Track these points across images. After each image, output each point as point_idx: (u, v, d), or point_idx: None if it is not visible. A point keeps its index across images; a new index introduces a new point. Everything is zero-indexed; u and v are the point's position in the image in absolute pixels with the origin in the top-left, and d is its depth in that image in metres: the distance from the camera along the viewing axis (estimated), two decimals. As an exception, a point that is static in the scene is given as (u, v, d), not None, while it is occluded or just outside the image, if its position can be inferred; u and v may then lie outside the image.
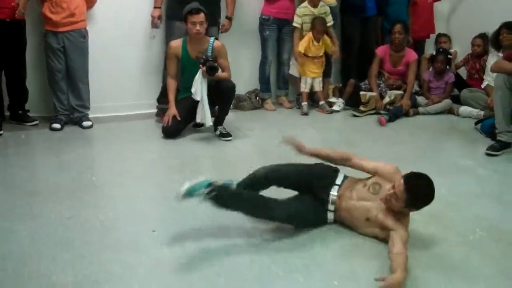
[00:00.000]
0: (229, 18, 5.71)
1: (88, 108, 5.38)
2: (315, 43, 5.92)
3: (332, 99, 6.27)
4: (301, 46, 5.90)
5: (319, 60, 6.02)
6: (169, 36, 5.44)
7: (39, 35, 5.24)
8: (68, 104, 5.32)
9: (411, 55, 6.17)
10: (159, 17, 5.49)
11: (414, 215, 3.02)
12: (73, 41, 5.16)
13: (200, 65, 4.75)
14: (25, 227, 3.19)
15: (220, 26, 5.67)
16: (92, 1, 5.35)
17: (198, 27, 4.81)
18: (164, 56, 5.56)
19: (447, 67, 6.23)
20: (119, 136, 5.09)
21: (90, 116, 5.37)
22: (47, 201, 3.59)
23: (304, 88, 6.01)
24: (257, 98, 6.16)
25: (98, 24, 5.44)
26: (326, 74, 6.28)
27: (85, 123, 5.28)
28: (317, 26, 5.84)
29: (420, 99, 6.22)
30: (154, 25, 5.53)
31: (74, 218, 3.33)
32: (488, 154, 4.54)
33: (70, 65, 5.21)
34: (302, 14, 5.93)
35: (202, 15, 4.82)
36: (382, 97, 6.05)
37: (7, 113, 5.26)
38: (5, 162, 4.37)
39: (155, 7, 5.49)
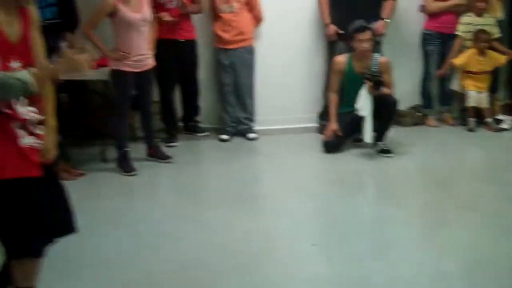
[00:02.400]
0: (384, 19, 5.51)
1: (253, 120, 5.63)
2: (479, 57, 5.65)
3: (500, 117, 5.93)
4: (459, 60, 5.68)
5: (483, 76, 5.72)
6: (330, 56, 5.51)
7: (211, 52, 5.60)
8: (235, 116, 5.61)
9: None
10: (336, 31, 5.46)
11: None
12: (241, 57, 5.44)
13: (366, 80, 4.79)
14: (190, 233, 3.46)
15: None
16: (259, 19, 5.58)
17: (365, 44, 4.86)
18: (325, 76, 5.66)
19: None
20: (281, 148, 5.26)
21: (255, 128, 5.62)
22: (213, 208, 3.87)
23: (470, 102, 5.76)
24: (419, 114, 6.01)
25: (264, 41, 5.66)
26: (493, 90, 5.96)
27: (251, 135, 5.53)
28: (480, 37, 5.58)
29: None
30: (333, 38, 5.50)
31: (236, 227, 3.53)
32: None
33: (238, 80, 5.49)
34: (465, 23, 5.69)
35: (368, 32, 4.87)
36: (558, 116, 5.62)
37: (181, 124, 5.68)
38: (178, 169, 4.74)
39: (327, 24, 5.49)
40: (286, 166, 4.78)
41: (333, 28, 5.44)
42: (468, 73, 5.71)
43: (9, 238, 2.19)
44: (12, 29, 2.14)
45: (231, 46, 5.41)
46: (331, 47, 5.55)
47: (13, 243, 2.20)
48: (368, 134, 4.85)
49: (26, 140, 2.14)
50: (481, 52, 5.64)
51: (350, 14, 5.22)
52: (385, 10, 5.49)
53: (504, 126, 5.75)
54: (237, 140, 5.52)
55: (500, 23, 5.81)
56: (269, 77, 5.68)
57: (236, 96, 5.56)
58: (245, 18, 5.43)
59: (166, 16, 5.07)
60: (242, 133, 5.59)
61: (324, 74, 5.70)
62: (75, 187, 4.34)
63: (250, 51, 5.50)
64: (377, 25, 5.40)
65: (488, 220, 3.58)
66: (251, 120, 5.63)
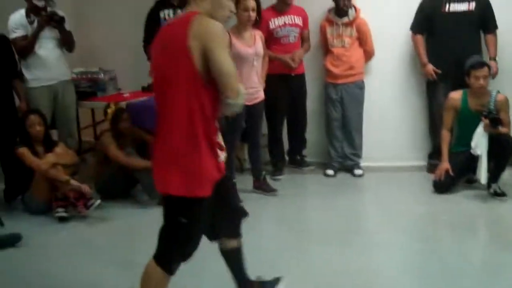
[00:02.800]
0: (494, 59, 5.29)
1: (360, 156, 5.56)
2: None
3: None
4: None
5: None
6: (432, 95, 5.39)
7: (320, 86, 5.64)
8: (342, 152, 5.57)
9: None
10: (433, 71, 5.31)
11: None
12: (350, 92, 5.43)
13: (483, 118, 4.61)
14: (294, 266, 3.47)
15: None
16: (370, 54, 5.55)
17: (481, 81, 4.68)
18: (427, 114, 5.54)
19: None
20: (388, 186, 5.15)
21: (362, 164, 5.53)
22: (316, 243, 3.87)
23: None
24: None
25: (373, 76, 5.61)
26: None
27: (357, 171, 5.46)
28: None
29: None
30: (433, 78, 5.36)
31: (340, 263, 3.50)
32: None
33: (346, 114, 5.47)
34: None
35: (486, 68, 4.71)
36: None
37: (286, 158, 5.72)
38: (283, 202, 4.78)
39: (425, 64, 5.35)
40: (393, 204, 4.66)
41: (430, 68, 5.30)
42: None
43: (171, 248, 2.43)
44: None
45: (340, 81, 5.42)
46: (432, 86, 5.41)
47: (169, 254, 2.43)
48: (483, 174, 4.64)
49: (222, 157, 2.44)
50: None
51: (448, 52, 5.14)
52: (491, 48, 5.25)
53: None
54: (343, 175, 5.47)
55: None
56: (378, 113, 5.62)
57: (344, 131, 5.53)
58: (356, 53, 5.44)
59: (292, 63, 5.20)
60: (348, 169, 5.53)
61: (429, 113, 5.56)
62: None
63: (360, 86, 5.48)
64: (492, 67, 5.14)
65: None
66: (358, 156, 5.56)
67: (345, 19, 5.36)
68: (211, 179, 2.33)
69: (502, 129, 4.67)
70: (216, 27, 2.24)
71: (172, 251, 2.43)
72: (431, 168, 5.32)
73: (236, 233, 2.74)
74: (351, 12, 5.37)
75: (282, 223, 4.35)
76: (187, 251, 2.45)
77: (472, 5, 5.17)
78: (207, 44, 2.20)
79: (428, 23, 5.34)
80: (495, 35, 5.28)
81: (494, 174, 4.74)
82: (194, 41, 2.20)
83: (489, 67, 4.82)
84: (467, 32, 5.20)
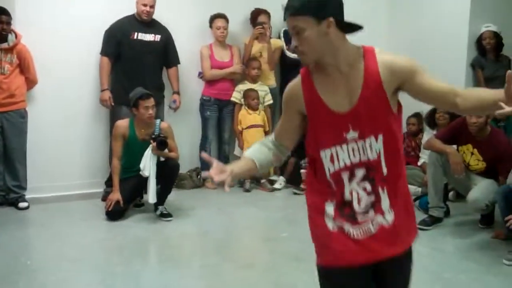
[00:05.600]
0: (178, 93, 5.80)
1: (24, 188, 5.25)
2: (250, 111, 6.06)
3: (273, 177, 6.33)
4: (238, 124, 6.09)
5: (260, 129, 6.12)
6: (114, 121, 5.46)
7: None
8: (4, 185, 5.19)
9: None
10: (110, 99, 5.48)
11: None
12: (12, 121, 5.10)
13: (151, 141, 4.82)
14: None
15: (171, 103, 5.79)
16: (32, 81, 5.32)
17: (150, 111, 4.87)
18: (110, 141, 5.55)
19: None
20: (57, 218, 4.96)
21: (28, 196, 5.24)
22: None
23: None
24: (198, 176, 6.16)
25: (38, 104, 5.41)
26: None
27: (21, 204, 5.14)
28: (250, 94, 6.03)
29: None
30: (108, 107, 5.53)
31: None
32: (419, 229, 4.61)
33: (8, 145, 5.12)
34: (240, 90, 6.08)
35: (152, 99, 4.91)
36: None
37: None
38: None
39: (103, 90, 5.48)
40: (61, 237, 4.47)
41: (107, 95, 5.46)
42: (247, 128, 6.08)
43: None
44: None
45: (0, 109, 5.05)
46: (114, 111, 5.52)
47: None
48: (151, 195, 4.84)
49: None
50: (253, 109, 6.05)
51: (132, 82, 5.31)
52: (174, 82, 5.78)
53: (276, 186, 6.15)
54: (5, 210, 5.10)
55: (272, 91, 6.30)
56: (45, 141, 5.42)
57: (5, 163, 5.17)
58: (17, 80, 5.16)
59: None
60: (12, 203, 5.18)
61: (109, 140, 5.59)
62: None
63: (22, 114, 5.20)
64: (176, 100, 5.76)
65: (263, 276, 3.76)
66: (22, 188, 5.24)
67: (4, 45, 5.04)
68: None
69: (170, 154, 4.94)
70: None
71: None
72: (106, 195, 5.32)
73: None
74: (11, 37, 5.08)
75: None
76: None
77: (158, 37, 5.59)
78: None
79: (117, 48, 5.50)
80: (177, 69, 5.76)
81: (161, 196, 4.96)
82: None
83: (154, 98, 5.03)
84: (152, 60, 5.55)
